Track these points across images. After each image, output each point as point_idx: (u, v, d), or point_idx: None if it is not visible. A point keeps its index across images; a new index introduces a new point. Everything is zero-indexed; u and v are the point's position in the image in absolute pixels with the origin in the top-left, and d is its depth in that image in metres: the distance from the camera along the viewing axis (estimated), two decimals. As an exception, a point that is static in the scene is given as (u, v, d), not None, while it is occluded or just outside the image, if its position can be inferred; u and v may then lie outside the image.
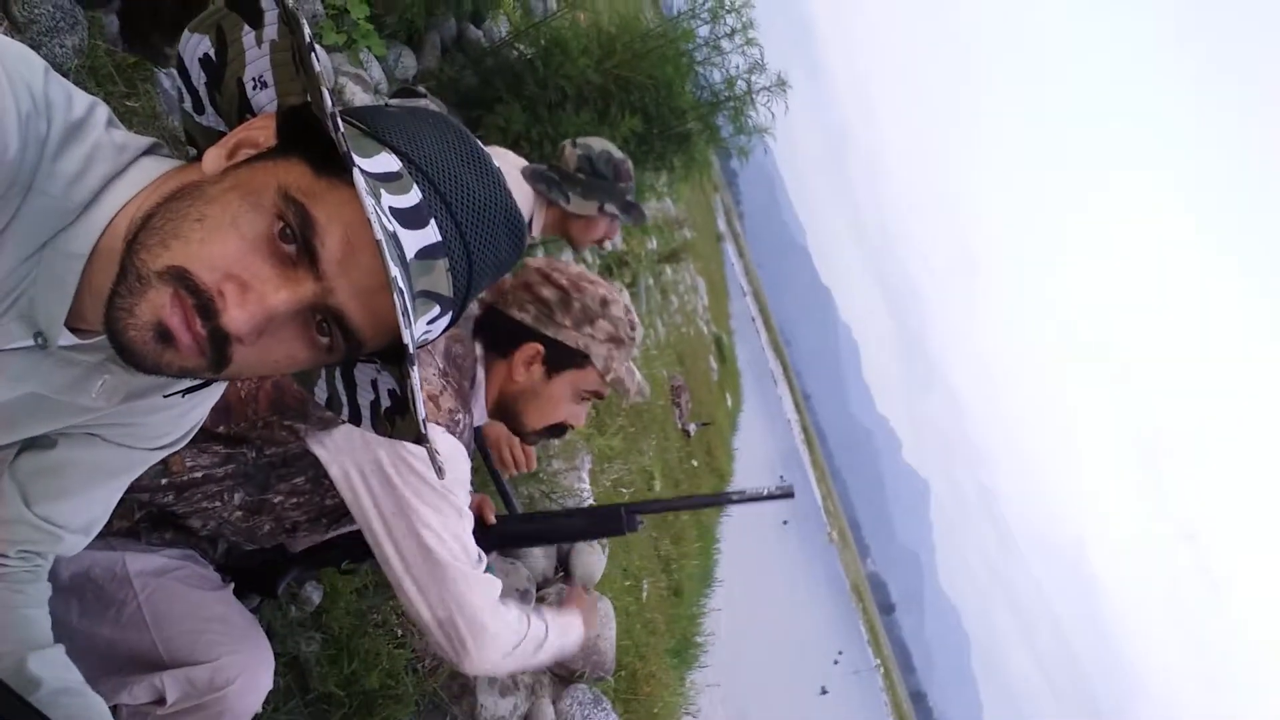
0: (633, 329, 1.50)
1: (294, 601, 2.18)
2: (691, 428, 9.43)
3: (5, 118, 0.61)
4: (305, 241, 0.63)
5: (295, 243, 0.63)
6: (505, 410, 1.52)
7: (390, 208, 0.63)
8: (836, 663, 27.15)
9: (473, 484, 1.68)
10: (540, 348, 1.46)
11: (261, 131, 0.69)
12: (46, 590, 0.88)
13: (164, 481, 1.27)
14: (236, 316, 0.62)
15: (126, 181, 0.70)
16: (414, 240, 0.65)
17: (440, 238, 0.66)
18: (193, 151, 0.76)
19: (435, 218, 0.66)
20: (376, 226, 0.57)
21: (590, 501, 3.95)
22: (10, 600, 0.84)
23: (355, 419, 0.76)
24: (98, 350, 0.74)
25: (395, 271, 0.58)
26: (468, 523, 1.34)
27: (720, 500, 1.65)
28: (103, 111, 0.71)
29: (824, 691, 21.55)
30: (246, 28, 0.69)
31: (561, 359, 1.47)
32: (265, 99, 0.71)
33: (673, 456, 7.86)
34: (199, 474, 1.28)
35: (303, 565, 1.57)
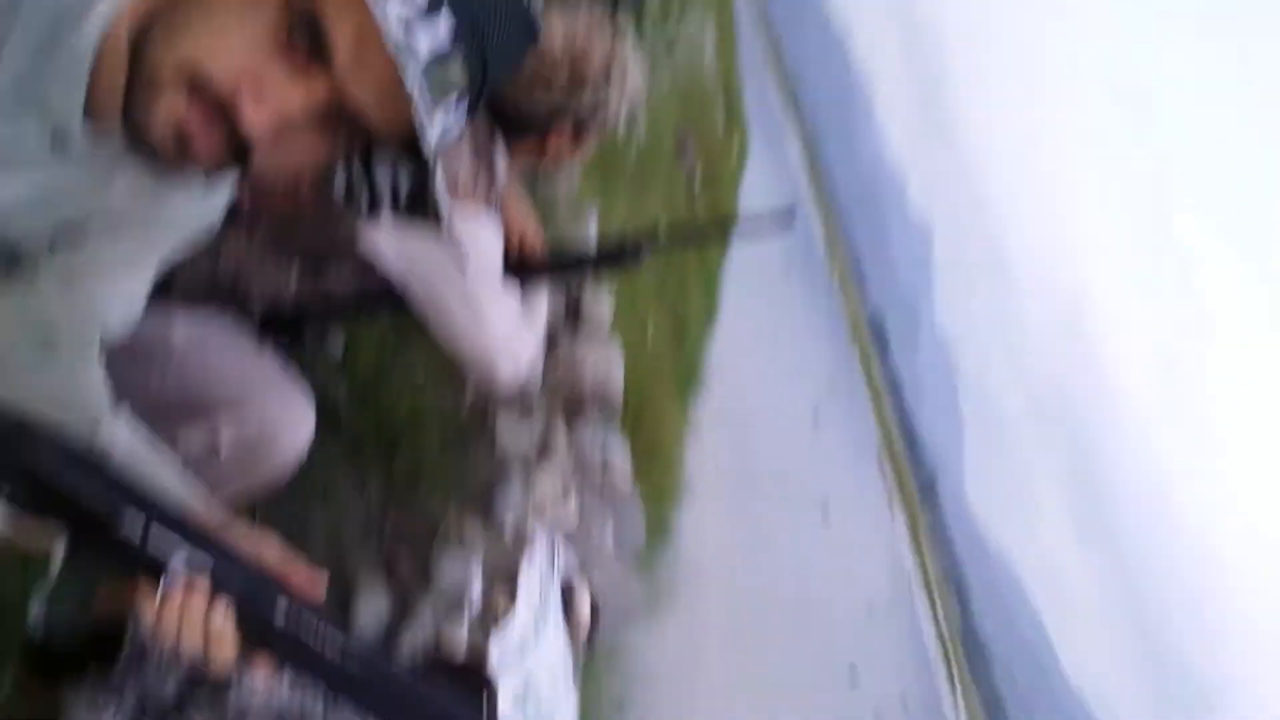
0: (627, 57, 1.51)
1: (318, 349, 2.32)
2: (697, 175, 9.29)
3: None
4: (316, 40, 0.63)
5: (306, 41, 0.63)
6: (534, 167, 1.59)
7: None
8: (830, 394, 28.48)
9: None
10: (569, 125, 1.50)
11: None
12: (101, 362, 0.92)
13: (221, 263, 1.34)
14: (254, 121, 0.63)
15: None
16: (427, 33, 0.64)
17: (453, 29, 0.65)
18: None
19: (448, 3, 0.65)
20: (386, 27, 0.57)
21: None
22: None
23: (374, 207, 0.79)
24: (117, 144, 0.73)
25: (410, 72, 0.58)
26: (506, 290, 1.50)
27: (723, 227, 1.74)
28: None
29: (816, 419, 22.84)
30: None
31: (588, 125, 1.52)
32: None
33: (679, 207, 7.79)
34: (256, 256, 1.34)
35: (326, 315, 1.67)
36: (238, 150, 0.65)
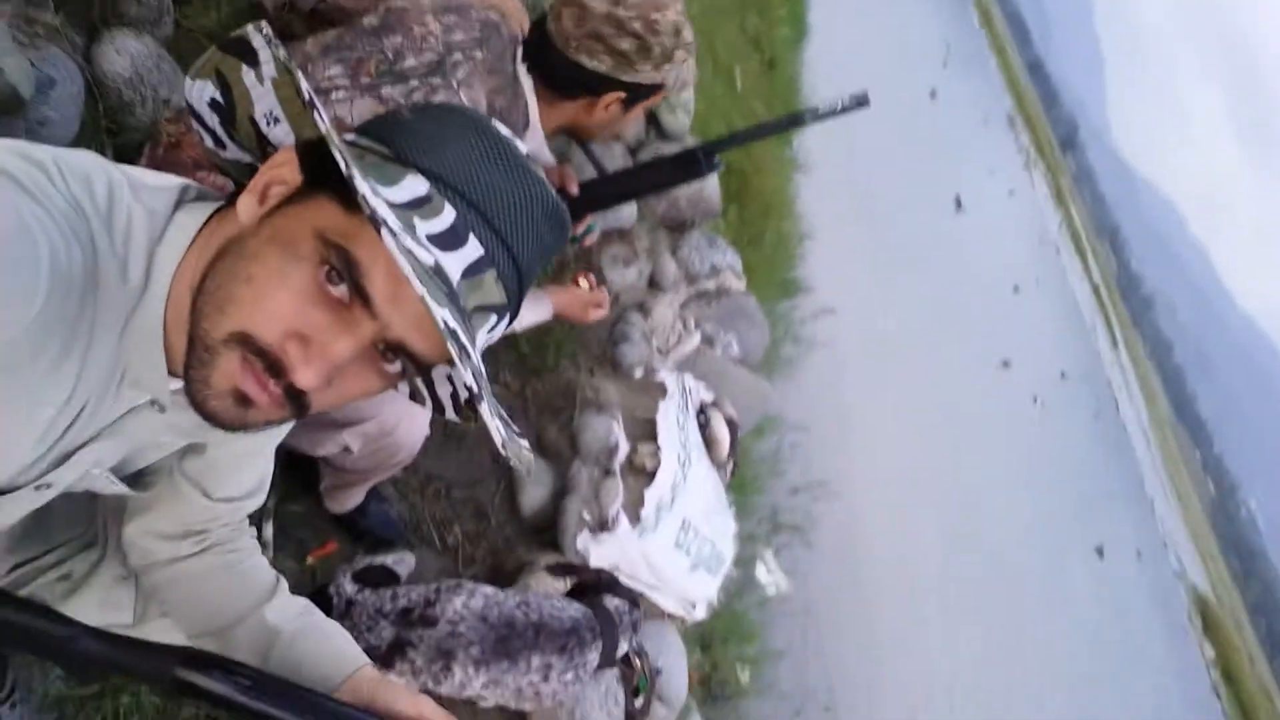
0: (692, 35, 1.44)
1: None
2: None
3: (38, 265, 0.61)
4: (353, 282, 0.64)
5: (344, 282, 0.65)
6: (573, 133, 1.54)
7: (427, 235, 0.64)
8: (946, 63, 26.26)
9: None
10: (622, 94, 1.44)
11: (286, 168, 0.68)
12: (253, 536, 1.02)
13: None
14: (304, 374, 0.65)
15: (168, 245, 0.71)
16: (457, 262, 0.65)
17: (483, 250, 0.66)
18: (228, 184, 0.76)
19: (474, 231, 0.66)
20: (414, 282, 0.58)
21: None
22: (230, 561, 0.96)
23: (439, 410, 0.82)
24: None
25: (442, 316, 0.59)
26: None
27: (795, 122, 1.64)
28: (119, 180, 0.71)
29: (934, 95, 21.35)
30: (245, 68, 0.69)
31: (639, 96, 1.46)
32: (281, 133, 0.72)
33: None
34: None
35: None
36: (295, 399, 0.68)
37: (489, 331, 0.71)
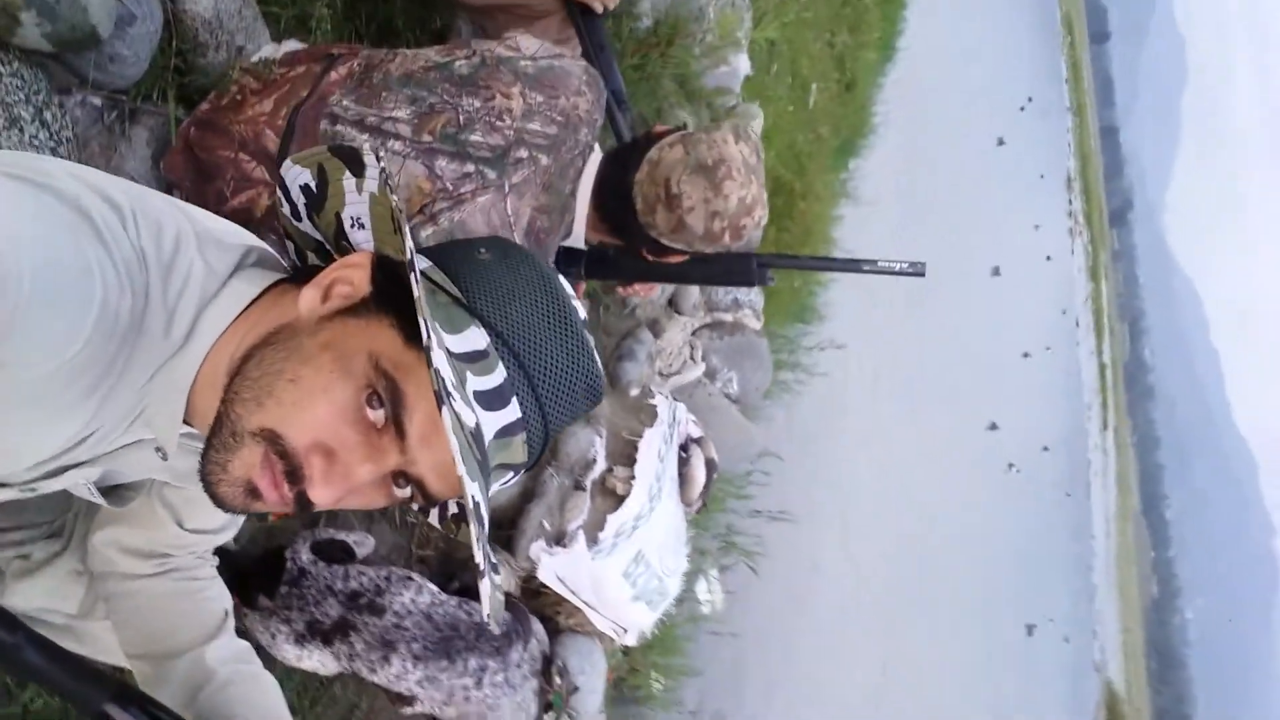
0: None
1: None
2: None
3: (102, 308, 0.63)
4: (394, 415, 0.65)
5: (383, 408, 0.65)
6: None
7: (475, 391, 0.65)
8: (1023, 109, 25.94)
9: None
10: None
11: (357, 271, 0.69)
12: (213, 565, 1.04)
13: None
14: (320, 492, 0.67)
15: (218, 308, 0.72)
16: (494, 422, 0.66)
17: (520, 414, 0.68)
18: (290, 247, 0.78)
19: (518, 395, 0.68)
20: (458, 458, 0.58)
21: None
22: (188, 588, 0.98)
23: (424, 512, 0.84)
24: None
25: (472, 491, 0.60)
26: None
27: (851, 267, 1.67)
28: (188, 232, 0.71)
29: (1001, 143, 21.10)
30: (348, 174, 0.69)
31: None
32: (363, 238, 0.72)
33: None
34: None
35: None
36: (303, 506, 0.69)
37: (502, 484, 0.74)
